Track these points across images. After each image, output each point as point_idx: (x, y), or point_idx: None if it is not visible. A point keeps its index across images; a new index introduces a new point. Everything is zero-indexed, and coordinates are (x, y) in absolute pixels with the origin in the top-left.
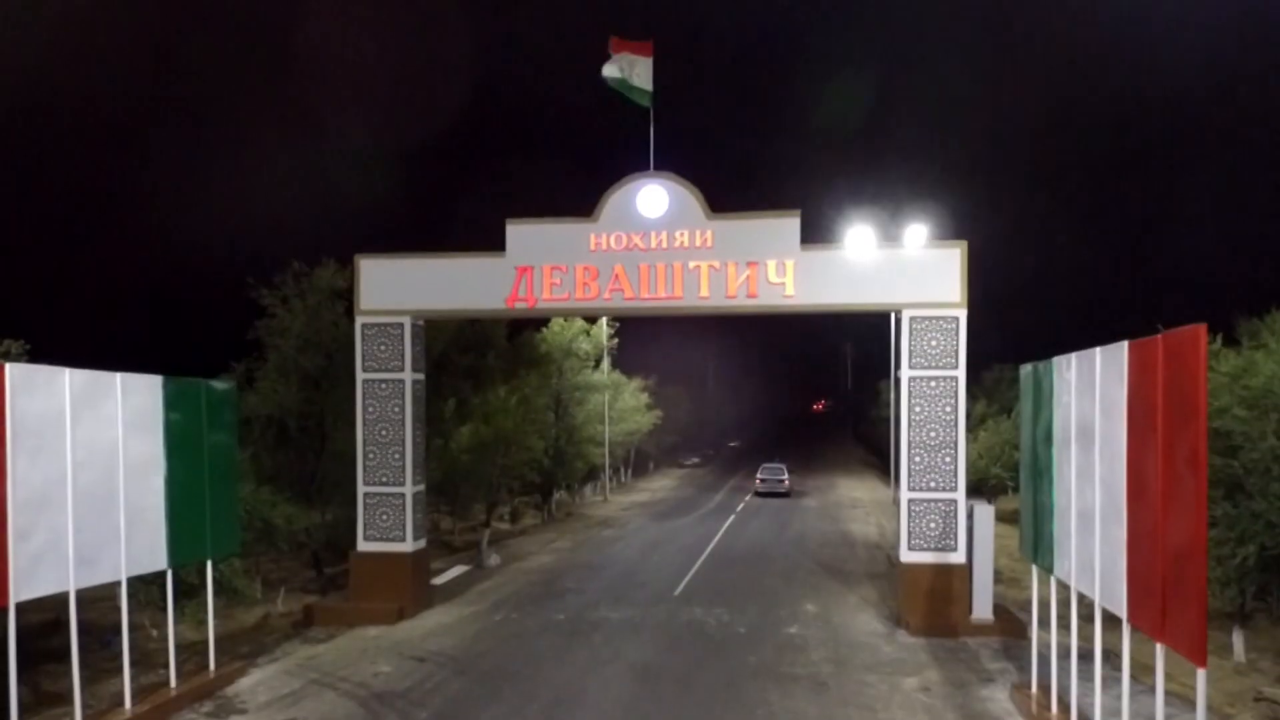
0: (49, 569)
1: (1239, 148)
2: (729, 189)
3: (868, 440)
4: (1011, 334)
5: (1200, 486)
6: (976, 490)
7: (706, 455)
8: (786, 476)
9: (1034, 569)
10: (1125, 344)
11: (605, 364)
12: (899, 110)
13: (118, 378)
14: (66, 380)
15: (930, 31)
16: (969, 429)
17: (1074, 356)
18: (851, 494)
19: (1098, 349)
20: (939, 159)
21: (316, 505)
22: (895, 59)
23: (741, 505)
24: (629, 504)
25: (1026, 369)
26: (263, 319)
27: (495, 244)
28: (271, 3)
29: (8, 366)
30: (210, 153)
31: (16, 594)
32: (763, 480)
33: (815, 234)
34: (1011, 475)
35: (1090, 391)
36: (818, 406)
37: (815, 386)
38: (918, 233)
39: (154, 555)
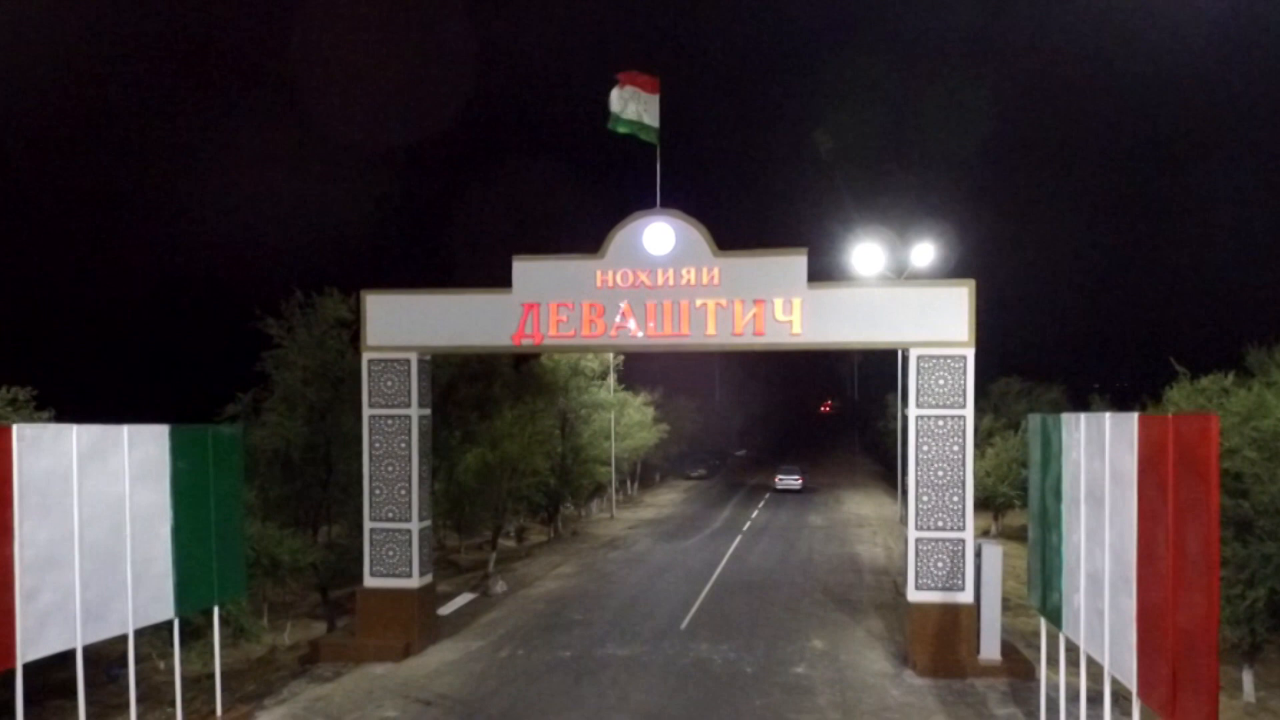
0: (56, 627)
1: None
2: (735, 219)
3: (874, 449)
4: (1016, 343)
5: (1212, 571)
6: (984, 506)
7: (713, 466)
8: (800, 478)
9: (1043, 621)
10: (1135, 416)
11: (611, 380)
12: (906, 133)
13: (125, 431)
14: (74, 437)
15: (939, 59)
16: (976, 445)
17: (1083, 417)
18: (859, 510)
19: (1107, 415)
20: (947, 177)
21: (322, 536)
22: (901, 87)
23: (748, 524)
24: (635, 522)
25: (1035, 419)
26: (269, 350)
27: (500, 270)
28: (280, 36)
29: (15, 428)
30: (212, 169)
31: (24, 655)
32: (780, 480)
33: (822, 256)
34: (1019, 494)
35: (1100, 455)
36: (825, 408)
37: (822, 386)
38: (924, 250)
39: (161, 605)
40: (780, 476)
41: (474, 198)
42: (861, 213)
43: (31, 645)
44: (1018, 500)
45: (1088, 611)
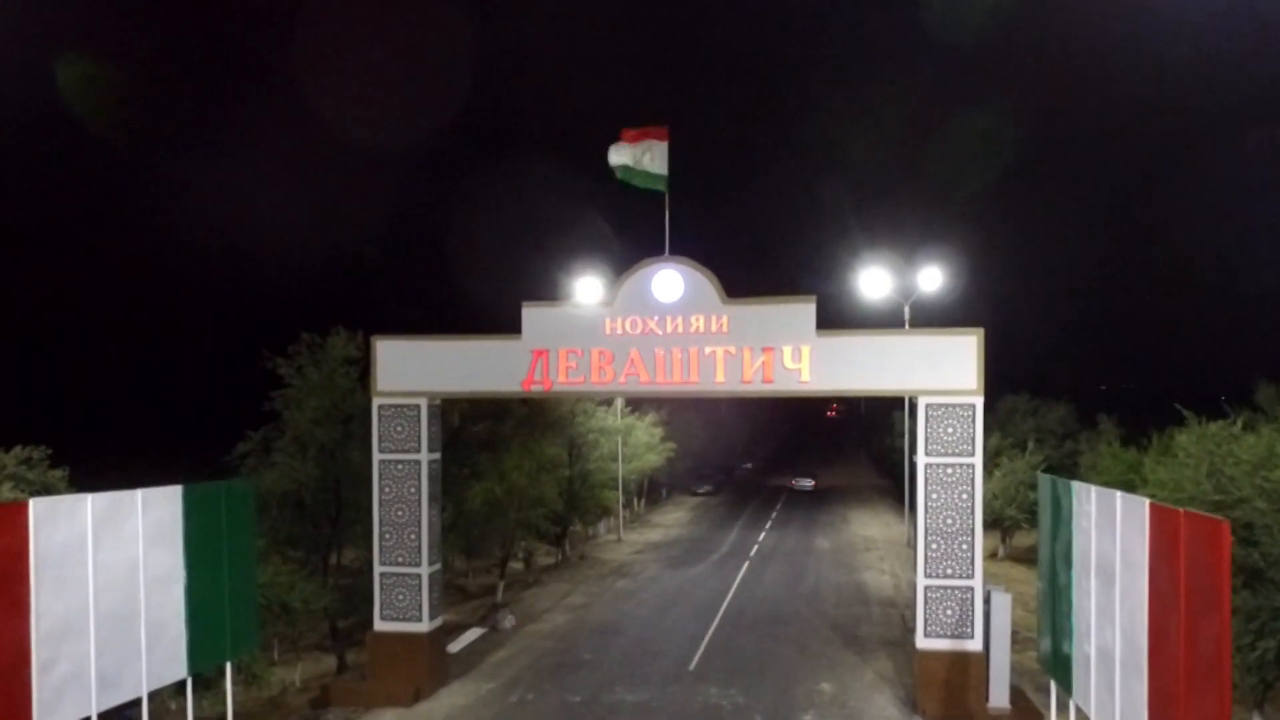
0: (72, 696)
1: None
2: (741, 257)
3: (880, 460)
4: (1023, 359)
5: (1224, 672)
6: (992, 526)
7: (719, 482)
8: (813, 481)
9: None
10: (1146, 504)
11: (618, 404)
12: (917, 162)
13: (138, 495)
14: (89, 507)
15: (948, 86)
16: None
17: (1093, 491)
18: (865, 531)
19: (1118, 495)
20: (956, 201)
21: (331, 575)
22: (910, 119)
23: (755, 548)
24: (642, 546)
25: (1045, 482)
26: (278, 389)
27: (508, 312)
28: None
29: (31, 503)
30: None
31: None
32: (797, 483)
33: (830, 302)
34: (1026, 516)
35: (1110, 532)
36: (831, 412)
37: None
38: (932, 275)
39: (174, 666)
40: (797, 480)
41: (482, 203)
42: (870, 240)
43: (48, 716)
44: (1025, 522)
45: (1098, 686)
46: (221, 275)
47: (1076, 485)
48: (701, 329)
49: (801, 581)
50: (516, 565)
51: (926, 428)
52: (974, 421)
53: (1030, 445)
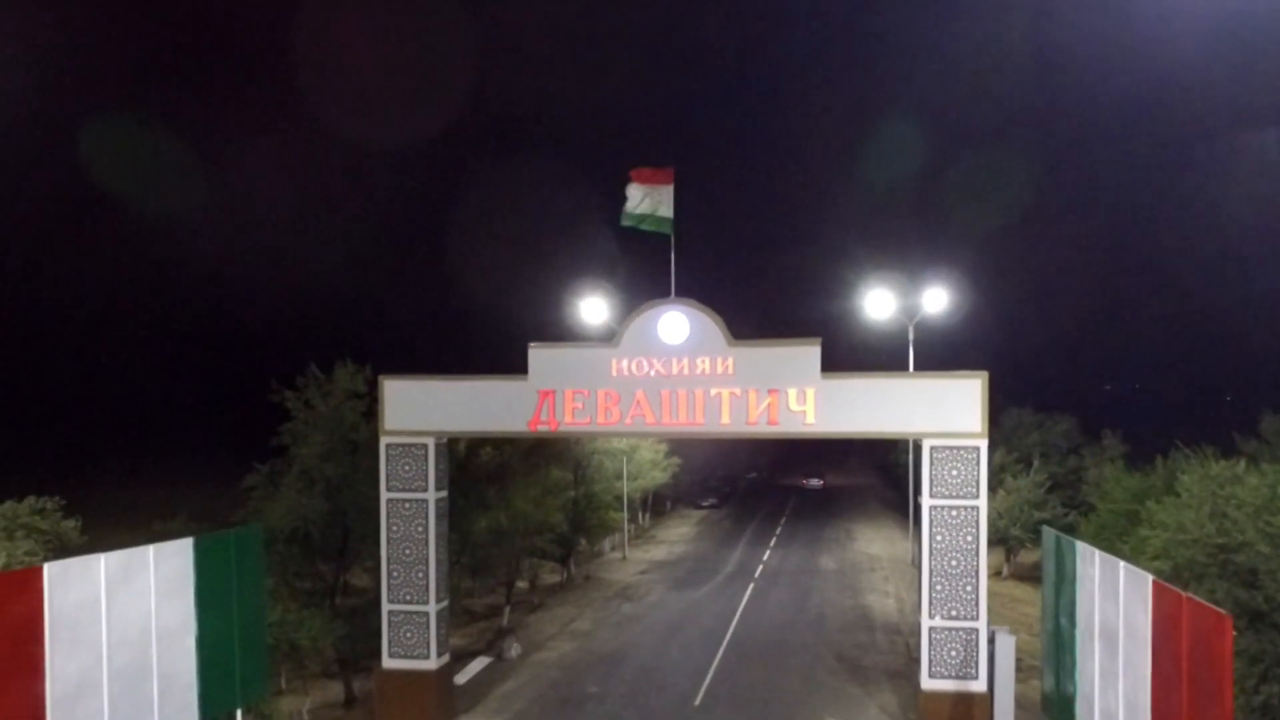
0: None
1: None
2: (747, 297)
3: (885, 470)
4: (1028, 371)
5: None
6: (998, 543)
7: (723, 495)
8: (822, 481)
9: None
10: (1150, 579)
11: None
12: (925, 191)
13: (150, 551)
14: (101, 567)
15: (952, 122)
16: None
17: (1097, 556)
18: (870, 550)
19: (1121, 565)
20: (962, 226)
21: (339, 607)
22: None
23: (760, 568)
24: (647, 565)
25: (1049, 536)
26: (286, 423)
27: (514, 351)
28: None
29: (45, 568)
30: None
31: None
32: (808, 482)
33: (834, 349)
34: (1031, 536)
35: (1114, 600)
36: None
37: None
38: (937, 296)
39: (185, 715)
40: (808, 480)
41: (485, 209)
42: (874, 261)
43: None
44: (1029, 542)
45: None
46: (223, 293)
47: (1081, 547)
48: (707, 370)
49: (806, 606)
50: (521, 584)
51: (931, 470)
52: (978, 464)
53: (1035, 463)
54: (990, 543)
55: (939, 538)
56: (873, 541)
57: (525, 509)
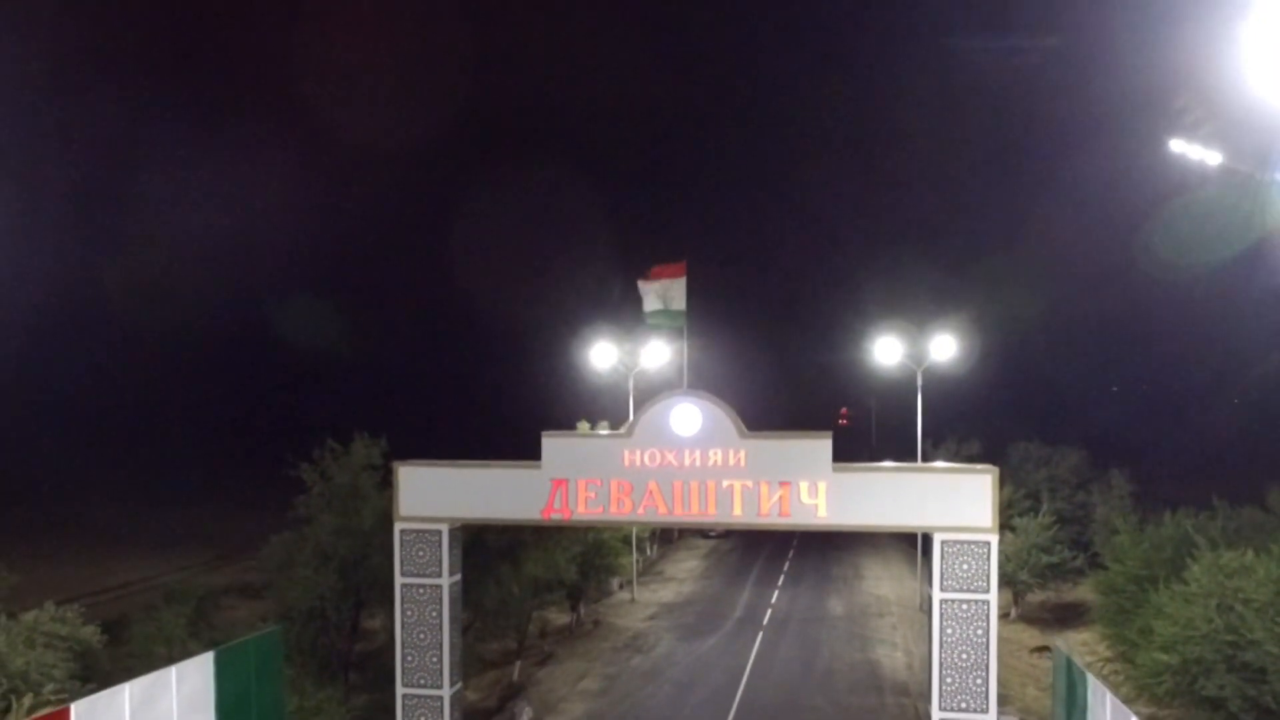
0: None
1: None
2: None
3: None
4: (1036, 403)
5: None
6: (1006, 584)
7: None
8: None
9: None
10: None
11: None
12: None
13: (172, 672)
14: (126, 696)
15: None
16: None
17: (1108, 698)
18: (878, 591)
19: (1133, 718)
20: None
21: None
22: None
23: (769, 612)
24: (656, 608)
25: (1060, 658)
26: (301, 496)
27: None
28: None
29: (73, 706)
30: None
31: None
32: None
33: (843, 358)
34: (1038, 580)
35: None
36: (842, 419)
37: (837, 394)
38: (945, 344)
39: None
40: None
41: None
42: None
43: None
44: (1036, 586)
45: None
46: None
47: (1092, 681)
48: (719, 463)
49: (815, 661)
50: (531, 627)
51: (942, 564)
52: (989, 559)
53: (1044, 504)
54: (1000, 584)
55: (949, 631)
56: (880, 580)
57: (536, 573)
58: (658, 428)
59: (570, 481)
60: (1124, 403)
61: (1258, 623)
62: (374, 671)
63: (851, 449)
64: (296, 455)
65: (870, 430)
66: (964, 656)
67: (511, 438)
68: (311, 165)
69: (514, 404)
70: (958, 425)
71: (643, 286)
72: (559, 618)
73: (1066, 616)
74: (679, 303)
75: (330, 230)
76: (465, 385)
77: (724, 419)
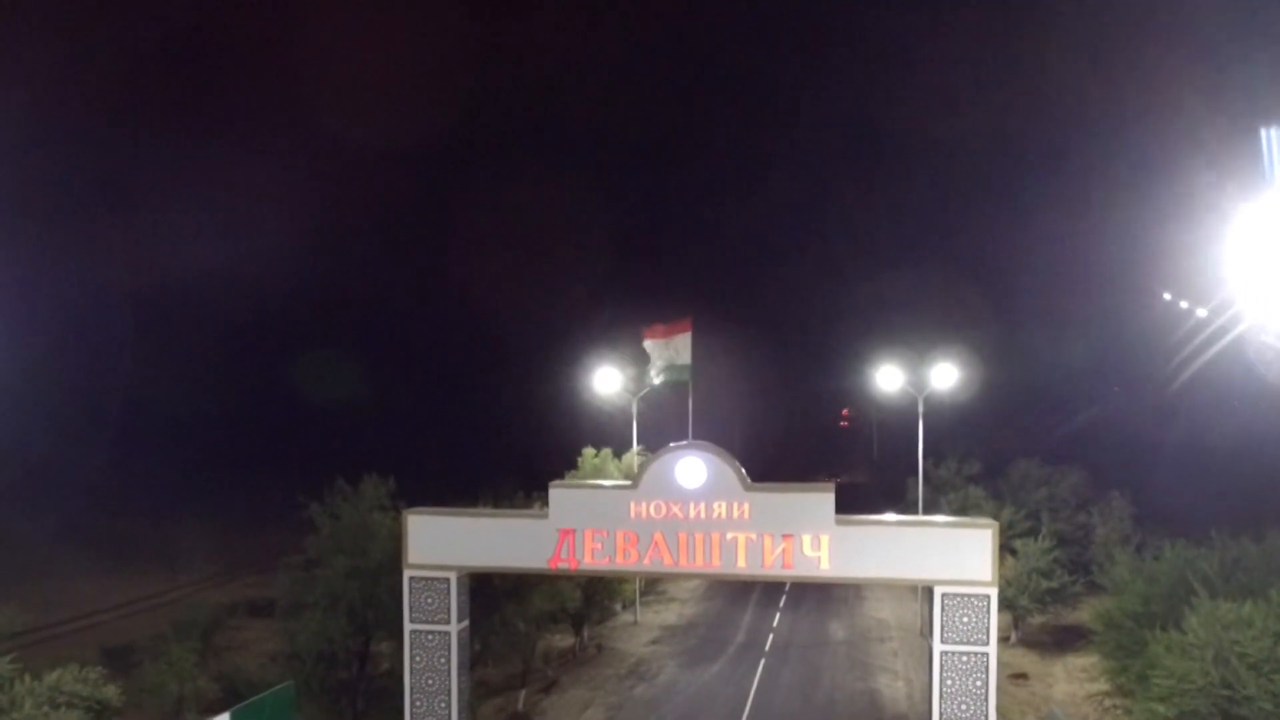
0: None
1: None
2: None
3: (896, 501)
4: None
5: None
6: (1007, 608)
7: None
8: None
9: None
10: None
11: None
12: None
13: None
14: None
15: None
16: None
17: None
18: (879, 614)
19: None
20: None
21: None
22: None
23: (770, 637)
24: (659, 631)
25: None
26: (312, 534)
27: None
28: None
29: None
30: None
31: None
32: None
33: (846, 383)
34: (1038, 605)
35: None
36: (843, 421)
37: (838, 397)
38: (946, 371)
39: None
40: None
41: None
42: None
43: None
44: (1036, 611)
45: None
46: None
47: None
48: (723, 515)
49: (816, 690)
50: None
51: (942, 616)
52: (989, 612)
53: (1044, 527)
54: (1000, 607)
55: (949, 683)
56: (882, 601)
57: (543, 607)
58: (663, 480)
59: (577, 531)
60: (1125, 409)
61: (1251, 679)
62: (383, 713)
63: (852, 454)
64: (307, 494)
65: (871, 439)
66: (963, 708)
67: (519, 472)
68: (299, 184)
69: (520, 431)
70: (959, 443)
71: (649, 345)
72: (562, 640)
73: (1066, 639)
74: (684, 357)
75: (324, 260)
76: (473, 413)
77: (728, 472)
